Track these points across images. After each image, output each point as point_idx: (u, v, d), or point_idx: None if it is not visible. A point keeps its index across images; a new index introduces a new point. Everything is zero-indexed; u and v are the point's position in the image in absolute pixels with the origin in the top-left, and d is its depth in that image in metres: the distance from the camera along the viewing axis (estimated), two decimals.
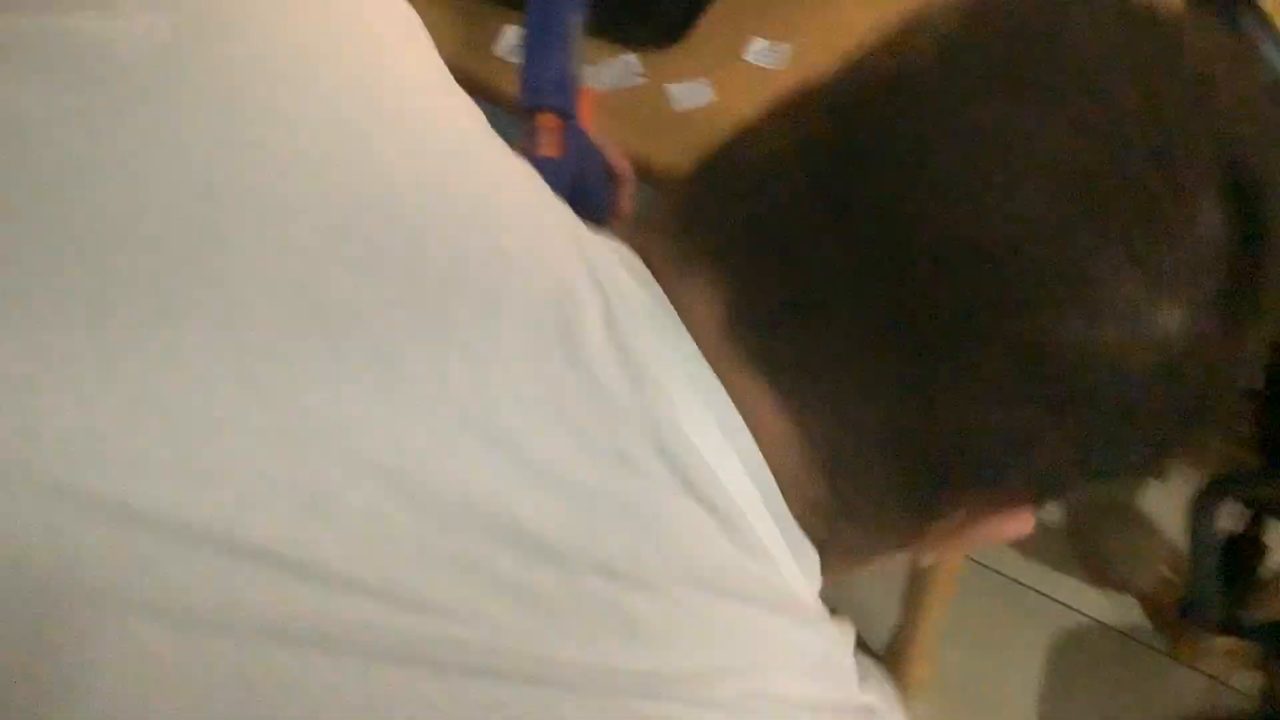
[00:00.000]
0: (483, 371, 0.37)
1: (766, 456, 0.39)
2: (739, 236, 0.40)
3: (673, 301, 0.39)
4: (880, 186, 0.37)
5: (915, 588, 1.21)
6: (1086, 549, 1.53)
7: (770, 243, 0.39)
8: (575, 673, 0.36)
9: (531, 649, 0.36)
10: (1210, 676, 1.44)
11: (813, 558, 0.41)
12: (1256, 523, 1.35)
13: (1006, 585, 1.48)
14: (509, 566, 0.36)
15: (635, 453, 0.37)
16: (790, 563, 0.40)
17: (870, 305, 0.37)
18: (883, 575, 1.21)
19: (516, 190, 0.42)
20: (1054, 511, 1.55)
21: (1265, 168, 0.38)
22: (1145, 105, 0.37)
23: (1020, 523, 0.43)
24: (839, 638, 0.43)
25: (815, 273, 0.38)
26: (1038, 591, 1.49)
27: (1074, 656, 1.45)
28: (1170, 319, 0.37)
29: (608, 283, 0.39)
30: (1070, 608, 1.48)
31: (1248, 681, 1.43)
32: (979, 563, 1.49)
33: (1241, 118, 0.38)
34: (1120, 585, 1.50)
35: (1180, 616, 1.36)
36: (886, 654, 1.35)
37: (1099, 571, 1.51)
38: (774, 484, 0.39)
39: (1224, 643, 1.40)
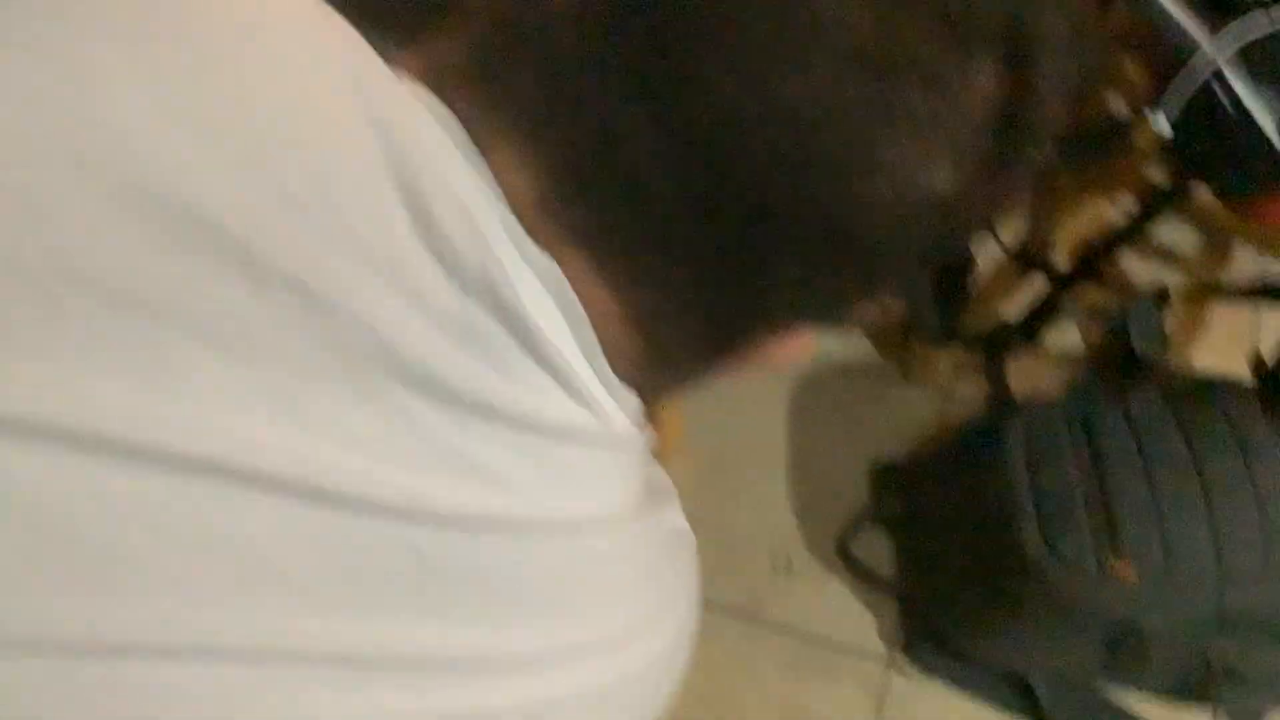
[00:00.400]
0: (318, 235, 0.37)
1: (589, 320, 0.41)
2: (543, 99, 0.40)
3: (488, 165, 0.40)
4: (682, 57, 0.38)
5: None
6: None
7: (577, 107, 0.40)
8: (445, 507, 0.39)
9: (405, 481, 0.38)
10: (938, 392, 1.51)
11: (634, 404, 0.45)
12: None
13: None
14: (357, 417, 0.38)
15: (480, 322, 0.39)
16: (616, 411, 0.43)
17: (672, 172, 0.39)
18: None
19: (316, 39, 0.41)
20: None
21: (1043, 31, 0.40)
22: None
23: (801, 343, 0.48)
24: (648, 444, 0.48)
25: (620, 139, 0.39)
26: None
27: (811, 395, 1.49)
28: (945, 178, 0.40)
29: (433, 146, 0.39)
30: None
31: (971, 391, 1.50)
32: None
33: None
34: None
35: (903, 338, 1.41)
36: None
37: None
38: (598, 345, 0.42)
39: (947, 357, 1.46)
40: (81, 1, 0.38)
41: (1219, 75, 0.85)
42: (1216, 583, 1.12)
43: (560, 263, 0.40)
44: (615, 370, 0.43)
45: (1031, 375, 1.49)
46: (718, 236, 0.40)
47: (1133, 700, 1.30)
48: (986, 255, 1.41)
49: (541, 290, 0.40)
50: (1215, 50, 0.84)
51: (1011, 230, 1.32)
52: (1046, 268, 1.25)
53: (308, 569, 0.37)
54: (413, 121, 0.40)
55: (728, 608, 1.35)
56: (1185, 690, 1.25)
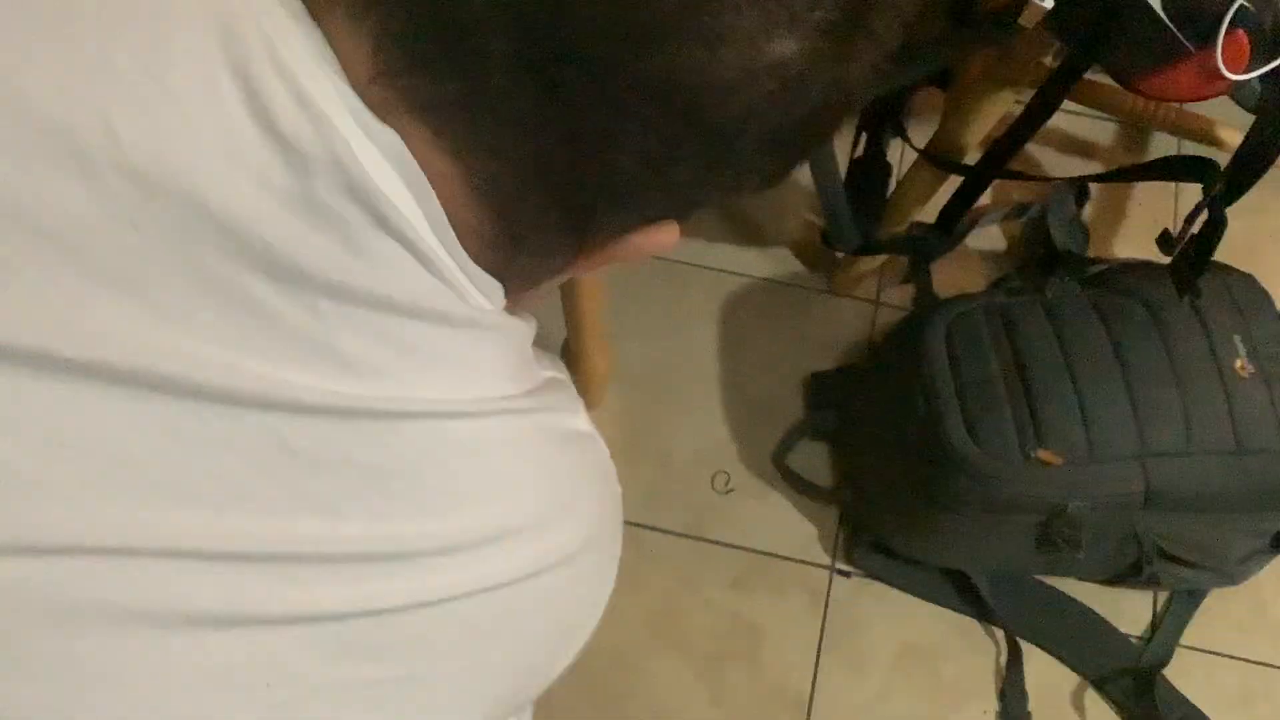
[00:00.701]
0: (152, 119, 0.37)
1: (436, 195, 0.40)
2: None
3: (325, 37, 0.39)
4: None
5: (567, 291, 1.19)
6: (731, 212, 1.56)
7: None
8: (305, 395, 0.39)
9: (262, 369, 0.38)
10: (867, 300, 1.51)
11: (495, 286, 0.44)
12: (876, 142, 1.40)
13: (668, 267, 1.49)
14: (205, 306, 0.38)
15: (329, 201, 0.38)
16: (473, 291, 0.43)
17: (510, 41, 0.37)
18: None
19: None
20: None
21: None
22: None
23: (666, 235, 0.46)
24: (526, 332, 0.48)
25: (455, 6, 0.37)
26: (698, 265, 1.51)
27: (743, 316, 1.49)
28: (785, 48, 0.39)
29: (268, 24, 0.38)
30: (730, 272, 1.51)
31: (899, 296, 1.50)
32: None
33: None
34: (768, 239, 1.54)
35: (822, 245, 1.41)
36: (565, 360, 1.34)
37: (747, 231, 1.54)
38: (449, 226, 0.41)
39: (871, 265, 1.46)
40: None
41: None
42: (1141, 461, 1.14)
43: (400, 133, 0.39)
44: (469, 250, 0.42)
45: (957, 276, 1.50)
46: (554, 105, 0.39)
47: (1075, 591, 1.33)
48: (898, 158, 1.41)
49: (385, 164, 0.39)
50: None
51: (922, 132, 1.31)
52: (957, 167, 1.25)
53: (165, 462, 0.37)
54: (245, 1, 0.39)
55: (672, 529, 1.35)
56: (1123, 574, 1.27)
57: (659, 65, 0.38)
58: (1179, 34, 0.85)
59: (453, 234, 0.41)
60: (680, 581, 1.33)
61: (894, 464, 1.27)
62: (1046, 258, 1.45)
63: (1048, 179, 1.48)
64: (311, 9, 0.39)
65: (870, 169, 1.39)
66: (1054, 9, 0.89)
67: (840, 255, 1.45)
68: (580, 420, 0.52)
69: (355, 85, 0.39)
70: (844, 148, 1.40)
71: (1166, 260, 1.08)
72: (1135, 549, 1.21)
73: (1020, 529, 1.20)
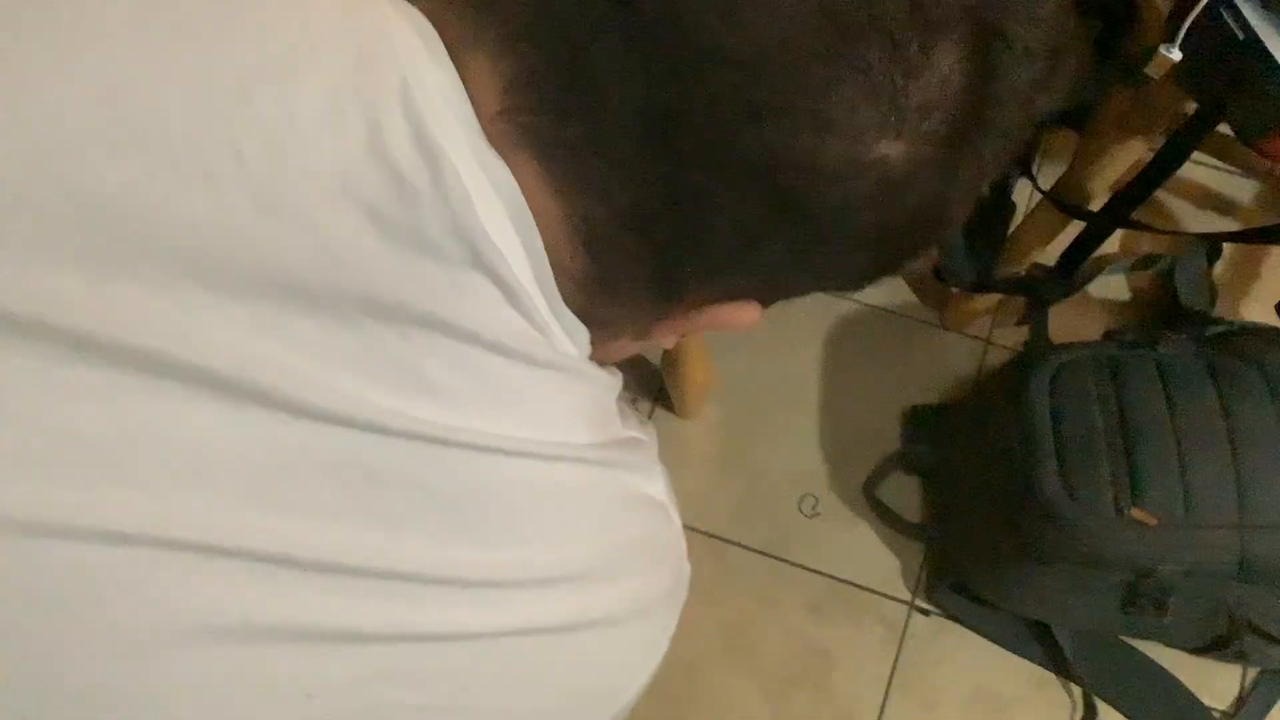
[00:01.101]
0: (278, 148, 0.39)
1: (539, 228, 0.42)
2: (527, 14, 0.41)
3: (460, 75, 0.41)
4: None
5: None
6: None
7: (555, 23, 0.40)
8: (387, 418, 0.40)
9: (350, 388, 0.40)
10: (978, 338, 1.49)
11: (581, 330, 0.45)
12: (1002, 179, 1.38)
13: None
14: (305, 326, 0.39)
15: (431, 235, 0.39)
16: (560, 334, 0.44)
17: (635, 95, 0.39)
18: None
19: None
20: None
21: (1009, 33, 0.40)
22: None
23: (746, 314, 0.47)
24: (609, 385, 0.48)
25: (592, 58, 0.39)
26: None
27: (849, 341, 1.48)
28: (893, 149, 0.40)
29: (405, 59, 0.40)
30: (841, 296, 1.51)
31: (1012, 338, 1.48)
32: None
33: None
34: None
35: (937, 281, 1.39)
36: (664, 371, 1.36)
37: None
38: (548, 264, 0.42)
39: (985, 302, 1.44)
40: None
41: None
42: (1238, 531, 1.10)
43: (514, 169, 0.40)
44: (561, 291, 0.43)
45: (1075, 323, 1.46)
46: (663, 160, 0.40)
47: (1162, 657, 1.29)
48: (1023, 200, 1.39)
49: (495, 198, 0.40)
50: None
51: (1052, 173, 1.29)
52: (1081, 212, 1.23)
53: (245, 465, 0.39)
54: (384, 32, 0.41)
55: (753, 547, 1.36)
56: (1210, 645, 1.23)
57: (766, 141, 0.39)
58: None
59: (549, 270, 0.42)
60: (758, 600, 1.33)
61: (985, 507, 1.25)
62: (1169, 313, 1.41)
63: (1175, 233, 1.44)
64: (451, 46, 0.41)
65: (993, 206, 1.38)
66: (1183, 61, 0.87)
67: (954, 290, 1.43)
68: (655, 487, 0.52)
69: (482, 119, 0.40)
70: None
71: None
72: (1225, 621, 1.17)
73: (1107, 587, 1.17)
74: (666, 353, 1.31)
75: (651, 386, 1.44)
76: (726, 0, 0.38)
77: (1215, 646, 1.22)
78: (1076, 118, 1.32)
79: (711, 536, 1.35)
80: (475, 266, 0.40)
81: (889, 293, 1.51)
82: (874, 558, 1.36)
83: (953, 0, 0.39)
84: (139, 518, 0.38)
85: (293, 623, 0.40)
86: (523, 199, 0.41)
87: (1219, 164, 1.44)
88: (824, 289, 0.48)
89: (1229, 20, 0.82)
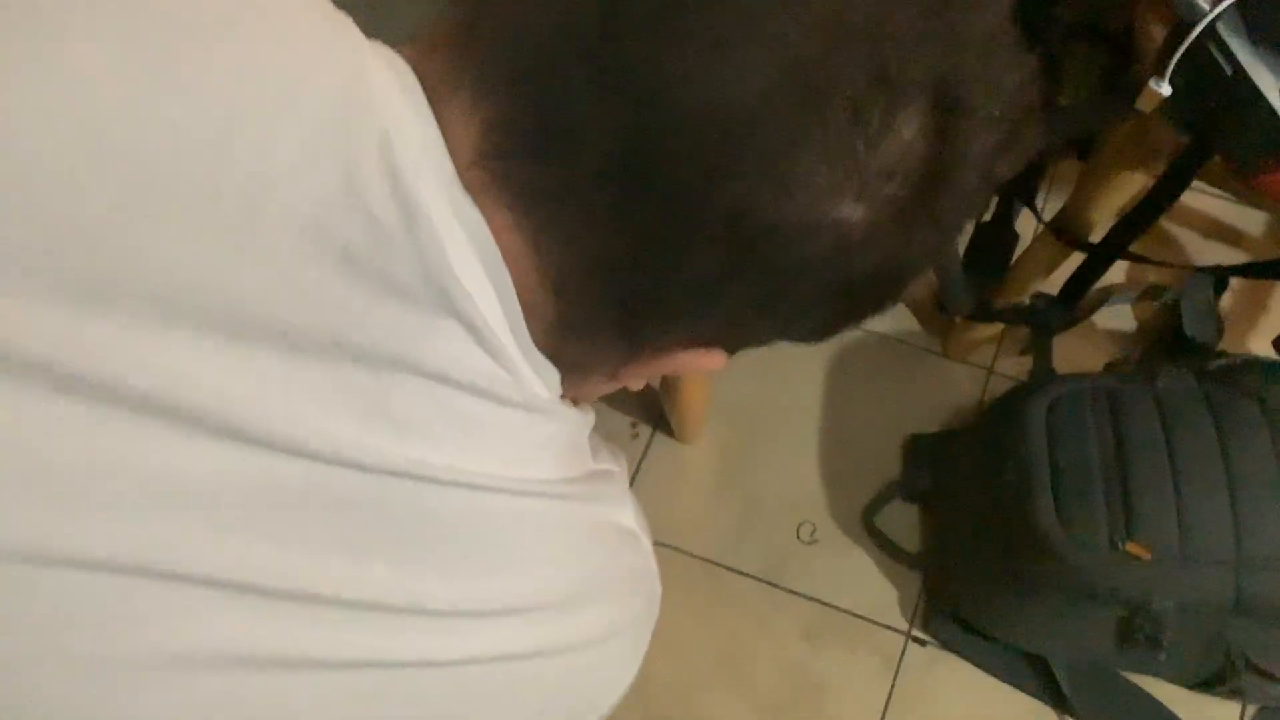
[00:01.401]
0: (255, 191, 0.40)
1: (511, 273, 0.43)
2: (504, 62, 0.42)
3: (438, 120, 0.42)
4: (635, 40, 0.40)
5: None
6: None
7: (532, 74, 0.41)
8: (356, 452, 0.41)
9: (319, 423, 0.41)
10: (981, 367, 1.49)
11: (551, 371, 0.46)
12: (1005, 209, 1.37)
13: None
14: (276, 362, 0.40)
15: (402, 279, 0.40)
16: (530, 375, 0.45)
17: (606, 147, 0.40)
18: None
19: (286, 7, 0.44)
20: None
21: (970, 102, 0.41)
22: (876, 15, 0.40)
23: (711, 360, 0.48)
24: (580, 423, 0.49)
25: (565, 110, 0.40)
26: None
27: (851, 368, 1.48)
28: (852, 212, 0.41)
29: (383, 106, 0.41)
30: None
31: (1015, 367, 1.47)
32: None
33: (965, 50, 0.41)
34: None
35: (937, 310, 1.39)
36: (663, 396, 1.36)
37: None
38: (519, 307, 0.43)
39: (987, 331, 1.44)
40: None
41: (1215, 34, 0.82)
42: (1234, 567, 1.09)
43: (486, 214, 0.41)
44: (531, 333, 0.44)
45: (1080, 353, 1.46)
46: (634, 211, 0.41)
47: (1159, 692, 1.27)
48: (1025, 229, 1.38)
49: (467, 242, 0.41)
50: (1210, 6, 0.82)
51: (1058, 202, 1.29)
52: (1080, 243, 1.22)
53: (216, 497, 0.40)
54: (363, 79, 0.42)
55: (751, 574, 1.35)
56: (1207, 681, 1.21)
57: (730, 197, 0.40)
58: None
59: (520, 313, 0.43)
60: (752, 625, 1.33)
61: (980, 537, 1.25)
62: (1174, 345, 1.40)
63: (1175, 265, 1.44)
64: (431, 92, 0.42)
65: (996, 235, 1.37)
66: (1172, 96, 0.87)
67: (957, 319, 1.43)
68: (625, 516, 0.53)
69: (458, 163, 0.41)
70: None
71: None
72: (1221, 657, 1.15)
73: (1102, 620, 1.16)
74: (665, 378, 1.31)
75: (651, 412, 1.44)
76: (696, 61, 0.39)
77: (1213, 682, 1.20)
78: (1082, 147, 1.32)
79: (708, 561, 1.35)
80: (446, 310, 0.41)
81: (892, 320, 1.51)
82: (871, 586, 1.35)
83: (915, 69, 0.40)
84: (112, 545, 0.38)
85: (263, 650, 0.40)
86: (495, 244, 0.42)
87: (1227, 195, 1.43)
88: (786, 339, 0.49)
89: (1217, 55, 0.82)
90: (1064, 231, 1.25)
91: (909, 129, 0.40)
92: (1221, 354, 1.32)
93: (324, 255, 0.40)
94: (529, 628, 0.46)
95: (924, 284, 1.53)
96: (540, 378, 0.45)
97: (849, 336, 1.50)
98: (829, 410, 1.46)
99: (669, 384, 1.31)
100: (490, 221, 0.42)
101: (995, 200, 1.37)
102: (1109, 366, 1.28)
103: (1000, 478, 1.21)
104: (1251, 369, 1.22)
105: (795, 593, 1.35)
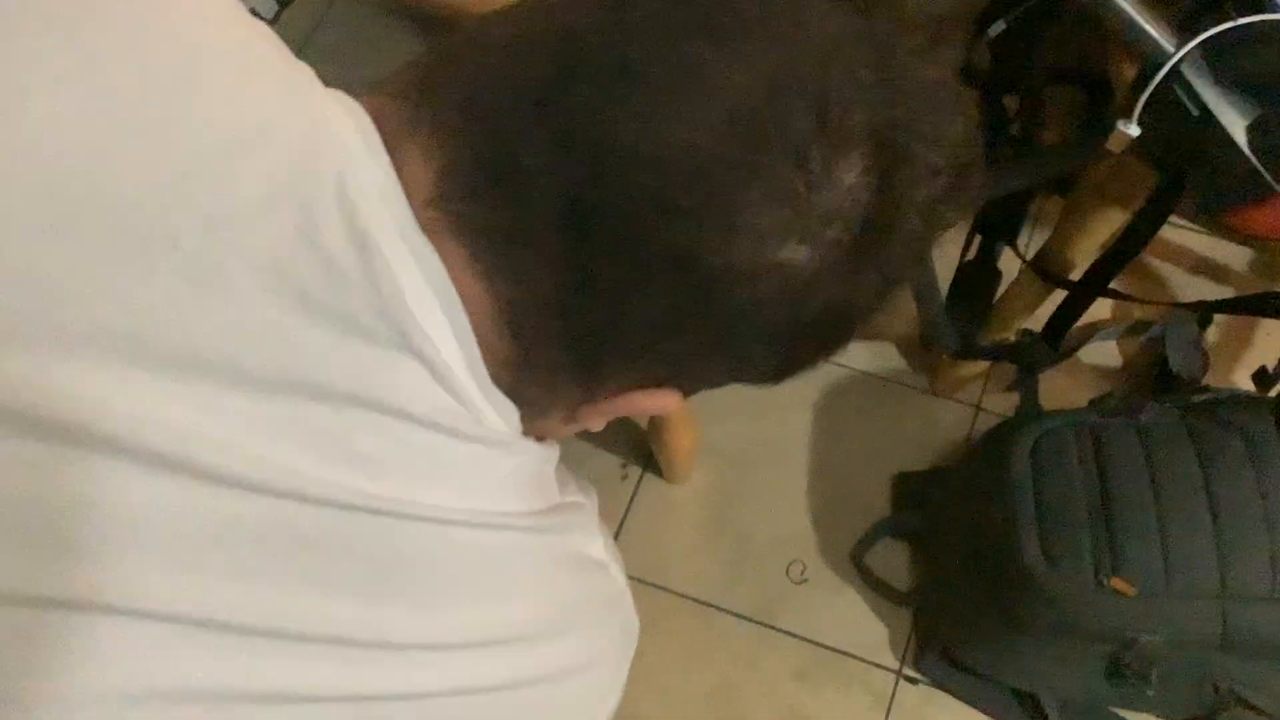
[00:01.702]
0: (214, 236, 0.41)
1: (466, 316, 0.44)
2: (461, 108, 0.43)
3: (395, 164, 0.43)
4: (586, 89, 0.41)
5: None
6: None
7: (487, 120, 0.43)
8: (317, 488, 0.41)
9: (283, 460, 0.41)
10: (968, 405, 1.49)
11: (510, 408, 0.46)
12: (988, 247, 1.38)
13: None
14: (237, 402, 0.41)
15: (361, 318, 0.41)
16: (489, 410, 0.45)
17: (557, 190, 0.41)
18: None
19: (248, 58, 0.45)
20: None
21: (911, 151, 0.43)
22: (821, 62, 0.42)
23: (666, 400, 0.49)
24: (544, 457, 0.50)
25: (518, 154, 0.42)
26: None
27: (839, 406, 1.49)
28: (797, 254, 0.42)
29: (341, 152, 0.42)
30: (831, 362, 1.51)
31: (1002, 404, 1.48)
32: None
33: (907, 101, 0.43)
34: (876, 334, 1.54)
35: (923, 348, 1.40)
36: (650, 436, 1.37)
37: None
38: (475, 345, 0.44)
39: (974, 369, 1.44)
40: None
41: (1181, 75, 0.84)
42: (1220, 602, 1.09)
43: (443, 254, 0.43)
44: (489, 371, 0.45)
45: (1066, 390, 1.46)
46: (582, 250, 0.42)
47: None
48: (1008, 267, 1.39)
49: (424, 283, 0.42)
50: (1176, 50, 0.83)
51: (1033, 242, 1.30)
52: (1061, 281, 1.23)
53: (178, 535, 0.40)
54: (322, 126, 0.43)
55: (740, 613, 1.35)
56: (1198, 716, 1.21)
57: (676, 239, 0.41)
58: (1265, 173, 0.83)
59: (477, 351, 0.44)
60: (743, 665, 1.33)
61: (968, 574, 1.25)
62: (1160, 380, 1.41)
63: (1155, 302, 1.45)
64: (389, 136, 0.43)
65: (979, 273, 1.38)
66: (1141, 135, 0.88)
67: (944, 356, 1.44)
68: (594, 548, 0.54)
69: (414, 205, 0.43)
70: (955, 249, 1.39)
71: (1256, 390, 1.04)
72: (1211, 692, 1.15)
73: (1091, 656, 1.16)
74: (653, 418, 1.32)
75: (640, 452, 1.45)
76: (643, 107, 0.41)
77: (1205, 718, 1.20)
78: (1064, 186, 1.33)
79: (698, 602, 1.35)
80: (403, 348, 0.42)
81: (879, 358, 1.52)
82: (862, 625, 1.35)
83: (857, 118, 0.42)
84: (73, 584, 0.39)
85: (229, 685, 0.41)
86: (451, 284, 0.43)
87: (1209, 230, 1.44)
88: (739, 380, 0.50)
89: (1182, 95, 0.84)
90: (1046, 269, 1.26)
91: (851, 175, 0.42)
92: (1206, 388, 1.32)
93: (283, 295, 0.41)
94: (498, 659, 0.46)
95: (910, 321, 1.54)
96: (500, 414, 0.46)
97: (835, 375, 1.51)
98: (817, 449, 1.46)
99: (657, 425, 1.32)
100: (447, 261, 0.43)
101: (979, 238, 1.38)
102: (1094, 402, 1.29)
103: (986, 515, 1.21)
104: (1235, 403, 1.23)
105: (786, 632, 1.35)
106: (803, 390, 1.49)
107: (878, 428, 1.48)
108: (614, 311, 0.44)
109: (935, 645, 1.31)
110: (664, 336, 0.45)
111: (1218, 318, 1.50)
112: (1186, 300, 1.32)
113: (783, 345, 0.47)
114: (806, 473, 1.45)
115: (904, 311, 1.53)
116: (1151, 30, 0.84)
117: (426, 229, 0.42)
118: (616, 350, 0.46)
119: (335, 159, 0.42)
